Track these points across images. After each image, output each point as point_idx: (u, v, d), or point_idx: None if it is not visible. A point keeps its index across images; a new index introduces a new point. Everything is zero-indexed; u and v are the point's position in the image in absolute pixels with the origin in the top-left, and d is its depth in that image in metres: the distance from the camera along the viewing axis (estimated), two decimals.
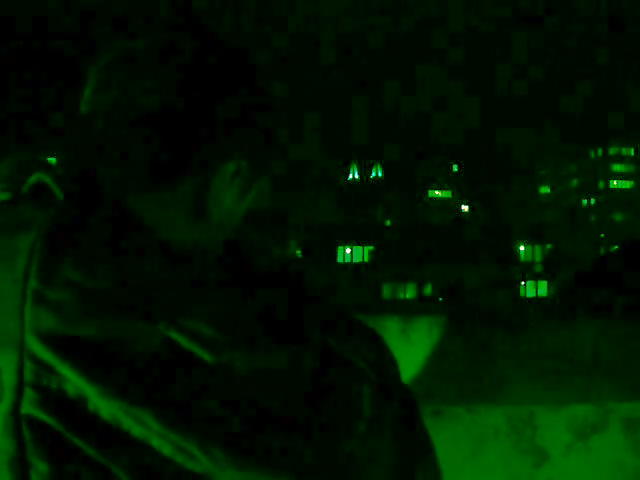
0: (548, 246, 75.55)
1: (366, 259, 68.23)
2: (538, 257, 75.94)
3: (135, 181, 1.18)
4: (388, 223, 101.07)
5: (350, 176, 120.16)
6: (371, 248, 68.31)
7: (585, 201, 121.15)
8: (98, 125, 1.20)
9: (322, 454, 1.08)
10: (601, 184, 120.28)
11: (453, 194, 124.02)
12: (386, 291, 67.34)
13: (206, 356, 1.06)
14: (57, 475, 1.07)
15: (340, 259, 68.40)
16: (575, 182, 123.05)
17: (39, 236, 1.11)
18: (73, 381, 1.07)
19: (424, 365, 2.77)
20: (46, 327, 1.08)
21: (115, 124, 1.18)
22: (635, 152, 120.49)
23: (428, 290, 68.20)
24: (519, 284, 73.07)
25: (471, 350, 2.85)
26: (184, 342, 1.07)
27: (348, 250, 68.76)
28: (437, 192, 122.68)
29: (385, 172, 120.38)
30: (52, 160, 1.23)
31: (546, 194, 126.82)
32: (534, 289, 75.41)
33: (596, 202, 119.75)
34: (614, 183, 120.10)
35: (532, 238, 74.28)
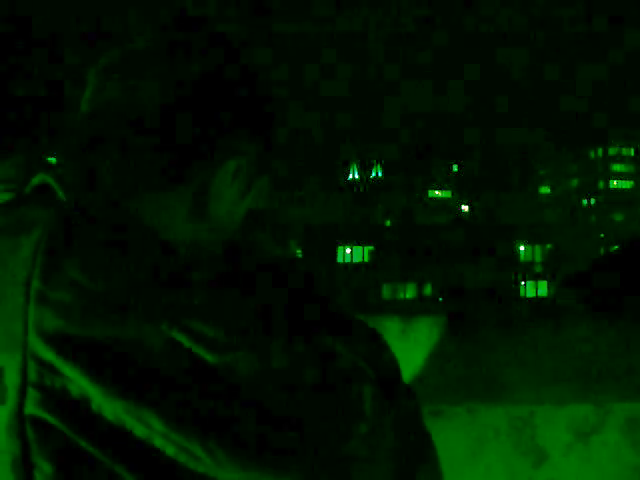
0: (548, 246, 75.57)
1: (366, 259, 68.24)
2: (538, 257, 75.94)
3: (136, 181, 1.18)
4: (388, 223, 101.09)
5: (350, 176, 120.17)
6: (371, 248, 68.31)
7: (585, 201, 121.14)
8: (98, 125, 1.20)
9: (324, 454, 1.08)
10: (601, 184, 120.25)
11: (453, 194, 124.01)
12: (386, 291, 67.35)
13: (208, 357, 1.07)
14: (61, 475, 1.07)
15: (340, 259, 68.42)
16: (575, 182, 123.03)
17: (42, 237, 1.11)
18: (76, 381, 1.07)
19: (424, 365, 2.77)
20: (49, 328, 1.09)
21: (115, 124, 1.19)
22: (635, 152, 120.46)
23: (428, 290, 68.22)
24: (519, 284, 73.07)
25: (471, 350, 2.86)
26: (187, 343, 1.07)
27: (348, 250, 68.78)
28: (437, 192, 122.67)
29: (385, 172, 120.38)
30: (52, 160, 1.23)
31: (546, 194, 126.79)
32: (534, 289, 75.43)
33: (596, 202, 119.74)
34: (614, 183, 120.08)
35: (532, 238, 74.29)
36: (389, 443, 1.13)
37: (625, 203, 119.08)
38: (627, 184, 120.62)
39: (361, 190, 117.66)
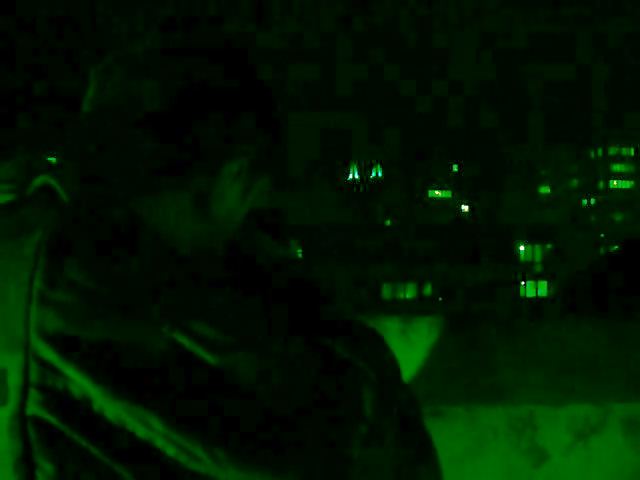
0: (548, 246, 75.53)
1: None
2: (538, 257, 75.90)
3: (138, 182, 1.18)
4: (388, 223, 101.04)
5: (350, 176, 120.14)
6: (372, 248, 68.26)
7: (585, 201, 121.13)
8: (100, 125, 1.20)
9: (323, 455, 1.08)
10: (601, 184, 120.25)
11: (453, 194, 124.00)
12: (386, 291, 67.32)
13: (209, 358, 1.07)
14: (62, 475, 1.08)
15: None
16: (575, 182, 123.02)
17: (44, 239, 1.11)
18: (78, 382, 1.08)
19: (424, 365, 2.77)
20: (51, 328, 1.09)
21: (117, 125, 1.19)
22: (635, 152, 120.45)
23: (428, 290, 68.19)
24: (519, 284, 73.05)
25: (471, 350, 2.85)
26: (188, 344, 1.07)
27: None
28: (437, 192, 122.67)
29: (385, 172, 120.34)
30: (52, 160, 1.23)
31: (546, 194, 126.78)
32: (534, 289, 75.39)
33: (596, 202, 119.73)
34: (614, 183, 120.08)
35: (532, 238, 74.25)
36: (389, 445, 1.13)
37: (625, 203, 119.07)
38: (627, 184, 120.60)
39: (361, 190, 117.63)
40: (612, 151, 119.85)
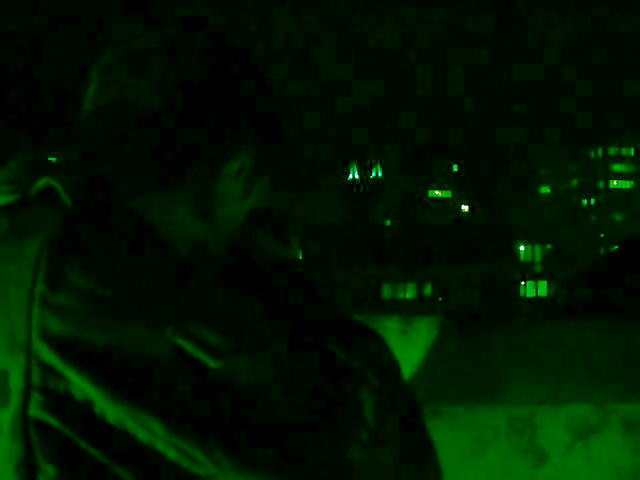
0: (548, 246, 75.56)
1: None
2: (538, 257, 75.93)
3: (139, 182, 1.18)
4: (388, 223, 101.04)
5: (350, 176, 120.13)
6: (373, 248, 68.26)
7: (585, 201, 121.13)
8: (101, 124, 1.19)
9: (324, 460, 1.08)
10: (601, 184, 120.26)
11: (453, 194, 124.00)
12: (386, 291, 67.33)
13: (211, 362, 1.07)
14: (64, 478, 1.08)
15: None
16: (575, 182, 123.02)
17: (46, 242, 1.11)
18: (79, 385, 1.07)
19: (424, 365, 2.77)
20: (53, 332, 1.09)
21: (117, 124, 1.18)
22: (635, 152, 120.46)
23: (428, 290, 68.19)
24: (519, 284, 73.06)
25: (471, 350, 2.85)
26: (190, 348, 1.07)
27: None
28: (437, 192, 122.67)
29: (385, 172, 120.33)
30: (54, 159, 1.23)
31: (546, 194, 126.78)
32: (534, 289, 75.41)
33: (596, 202, 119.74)
34: (614, 183, 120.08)
35: (532, 238, 74.28)
36: (390, 450, 1.13)
37: (625, 203, 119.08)
38: (627, 184, 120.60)
39: (361, 190, 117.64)
40: (612, 151, 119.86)
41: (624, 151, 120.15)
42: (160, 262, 1.11)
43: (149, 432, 1.06)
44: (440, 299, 65.77)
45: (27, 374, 1.09)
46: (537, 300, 65.69)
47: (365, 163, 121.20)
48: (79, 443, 1.07)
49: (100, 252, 1.11)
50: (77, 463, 1.07)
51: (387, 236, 68.33)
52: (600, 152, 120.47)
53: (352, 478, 1.10)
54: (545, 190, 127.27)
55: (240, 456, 1.06)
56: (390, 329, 2.74)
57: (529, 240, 74.40)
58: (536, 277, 75.64)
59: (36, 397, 1.09)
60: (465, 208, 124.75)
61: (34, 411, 1.09)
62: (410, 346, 2.78)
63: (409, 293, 68.00)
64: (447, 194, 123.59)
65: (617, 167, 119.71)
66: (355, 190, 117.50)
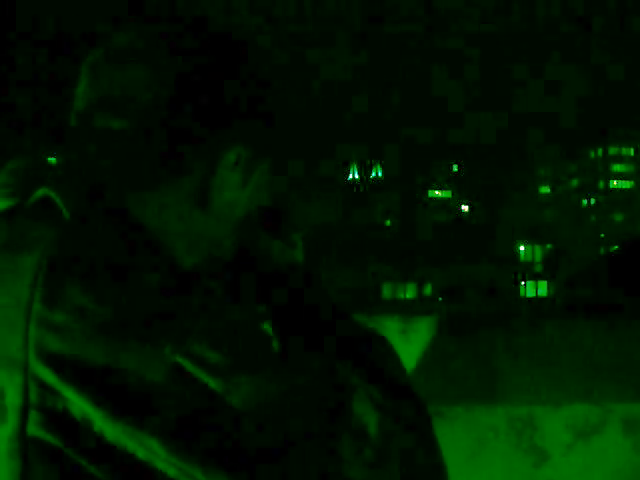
0: (548, 246, 75.57)
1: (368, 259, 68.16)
2: (538, 257, 75.93)
3: (135, 178, 1.17)
4: (388, 223, 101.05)
5: (350, 176, 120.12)
6: (373, 248, 68.25)
7: (585, 201, 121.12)
8: (91, 121, 1.18)
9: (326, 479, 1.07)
10: (601, 184, 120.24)
11: (453, 194, 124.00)
12: (386, 291, 67.33)
13: (211, 382, 1.05)
14: None
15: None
16: (575, 182, 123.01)
17: (43, 257, 1.10)
18: (78, 404, 1.06)
19: (424, 365, 2.77)
20: (50, 350, 1.07)
21: (108, 119, 1.17)
22: (635, 152, 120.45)
23: (428, 290, 68.21)
24: (519, 284, 73.06)
25: (471, 350, 2.85)
26: (190, 367, 1.06)
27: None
28: (437, 192, 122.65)
29: (385, 172, 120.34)
30: (52, 160, 1.22)
31: (546, 194, 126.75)
32: (534, 289, 75.40)
33: (596, 202, 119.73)
34: (614, 183, 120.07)
35: (532, 238, 74.28)
36: (395, 469, 1.12)
37: (625, 203, 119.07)
38: (627, 184, 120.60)
39: (361, 190, 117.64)
40: (612, 151, 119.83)
41: (624, 151, 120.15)
42: (160, 277, 1.10)
43: (149, 451, 1.05)
44: (440, 299, 65.76)
45: (25, 392, 1.08)
46: (537, 300, 65.70)
47: (365, 163, 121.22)
48: (78, 461, 1.06)
49: (98, 269, 1.09)
50: None
51: (387, 236, 68.30)
52: (600, 152, 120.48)
53: None
54: (545, 190, 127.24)
55: (241, 476, 1.05)
56: (390, 329, 2.74)
57: (529, 240, 74.38)
58: (536, 277, 75.64)
59: (34, 415, 1.08)
60: (465, 208, 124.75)
61: (32, 429, 1.08)
62: (410, 346, 2.78)
63: (409, 293, 68.00)
64: (447, 194, 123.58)
65: (617, 167, 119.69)
66: (355, 190, 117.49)
